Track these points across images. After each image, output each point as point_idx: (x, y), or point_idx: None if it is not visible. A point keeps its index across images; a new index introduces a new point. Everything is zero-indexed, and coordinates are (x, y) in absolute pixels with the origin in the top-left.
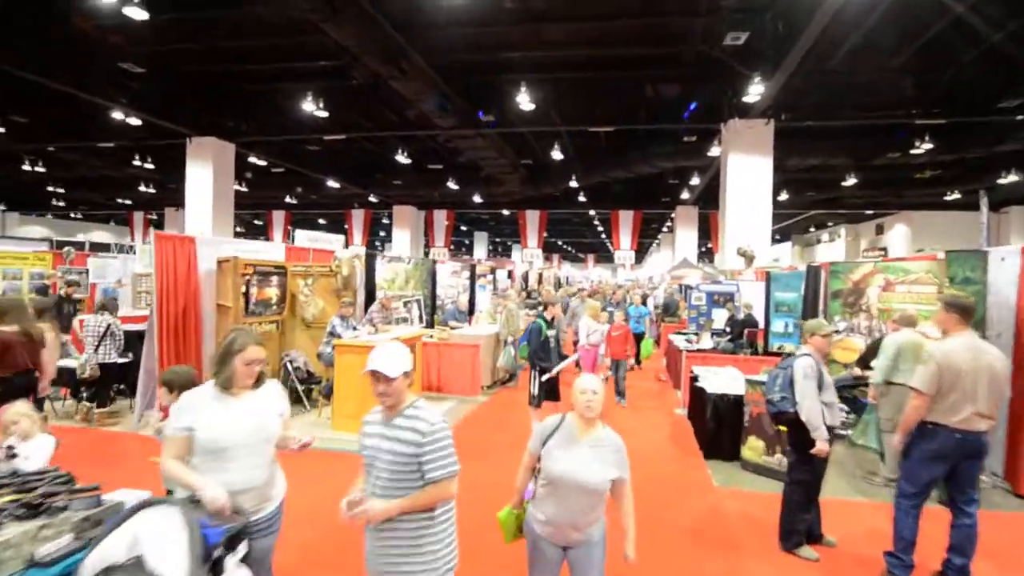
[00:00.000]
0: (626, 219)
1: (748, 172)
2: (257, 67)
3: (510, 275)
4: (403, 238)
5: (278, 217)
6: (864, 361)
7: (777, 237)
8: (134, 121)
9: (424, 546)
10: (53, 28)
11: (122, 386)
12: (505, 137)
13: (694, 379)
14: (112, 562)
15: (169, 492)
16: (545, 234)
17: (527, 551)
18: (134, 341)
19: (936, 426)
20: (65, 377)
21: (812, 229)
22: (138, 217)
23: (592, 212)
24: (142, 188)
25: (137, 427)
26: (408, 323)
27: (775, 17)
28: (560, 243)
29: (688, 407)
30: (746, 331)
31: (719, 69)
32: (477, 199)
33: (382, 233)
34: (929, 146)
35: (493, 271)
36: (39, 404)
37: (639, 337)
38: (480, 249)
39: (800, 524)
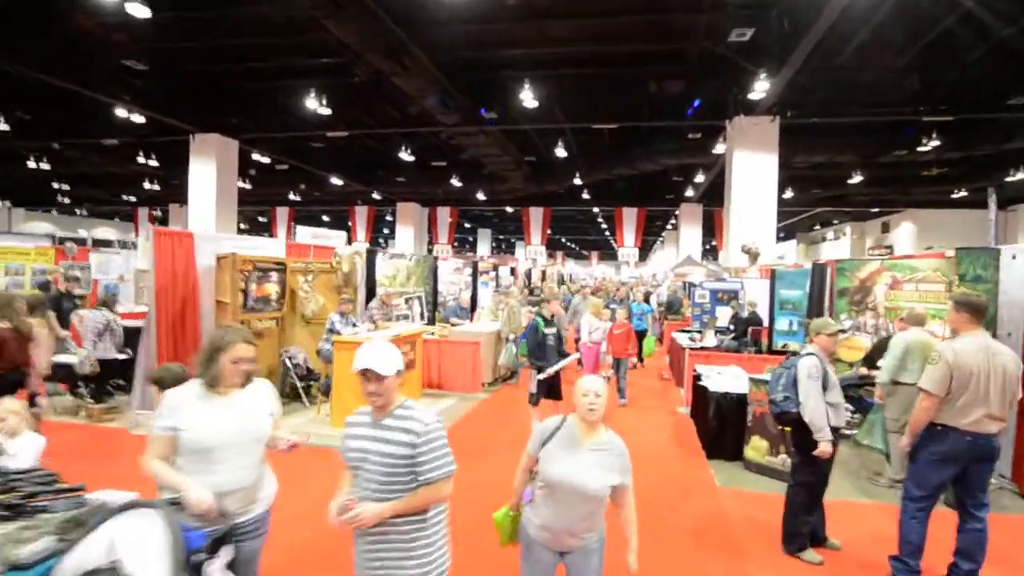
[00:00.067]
0: (630, 216)
1: (753, 169)
2: (259, 64)
3: (513, 272)
4: (406, 235)
5: (282, 213)
6: (870, 360)
7: (782, 235)
8: (137, 118)
9: (416, 549)
10: (55, 26)
11: (121, 382)
12: (508, 134)
13: (697, 378)
14: (89, 567)
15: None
16: (549, 231)
17: (520, 554)
18: (135, 337)
19: (946, 428)
20: (63, 373)
21: (817, 227)
22: (142, 213)
23: (596, 209)
24: (146, 185)
25: (132, 427)
26: (409, 320)
27: (781, 13)
28: (564, 240)
29: (691, 406)
30: (750, 329)
31: (724, 65)
32: (480, 196)
33: (386, 230)
34: (936, 143)
35: (496, 268)
36: (33, 401)
37: (641, 335)
38: (484, 246)
39: (804, 527)
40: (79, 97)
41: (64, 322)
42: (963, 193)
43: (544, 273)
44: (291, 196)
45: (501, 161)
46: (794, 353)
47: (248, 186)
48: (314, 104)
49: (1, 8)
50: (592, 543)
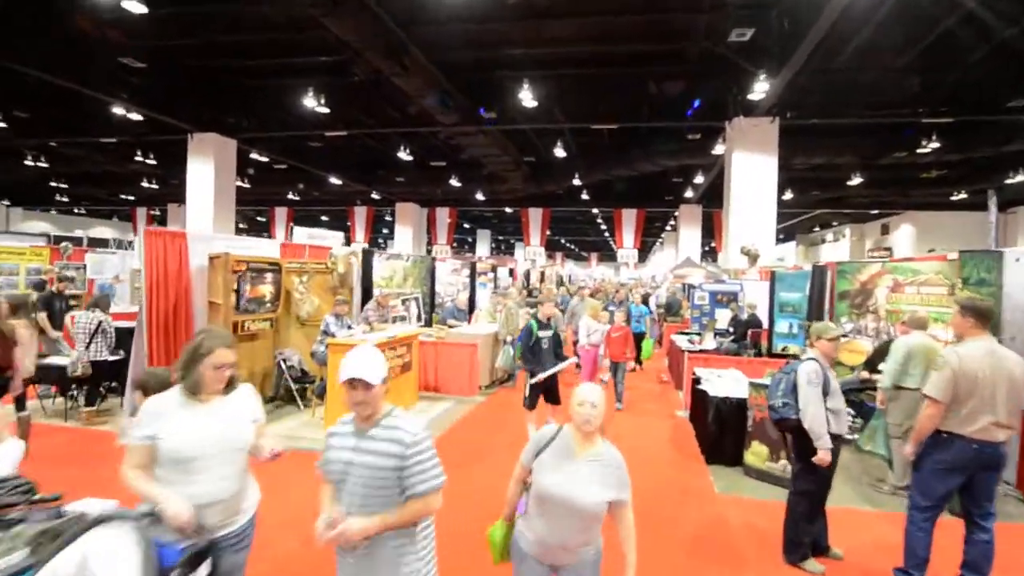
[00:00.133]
0: (629, 217)
1: (753, 170)
2: (257, 62)
3: (511, 273)
4: (405, 235)
5: (280, 213)
6: (871, 364)
7: (781, 236)
8: (135, 116)
9: (407, 564)
10: (53, 24)
11: (114, 384)
12: (508, 134)
13: (696, 381)
14: None
15: None
16: (548, 232)
17: (513, 567)
18: (130, 338)
19: (951, 436)
20: (55, 375)
21: (817, 228)
22: (141, 213)
23: (595, 210)
24: (145, 184)
25: (120, 435)
26: (406, 321)
27: (781, 14)
28: (563, 241)
29: (690, 409)
30: (750, 331)
31: (724, 66)
32: (480, 196)
33: (385, 230)
34: (936, 145)
35: (494, 269)
36: (19, 403)
37: (639, 337)
38: (483, 247)
39: (805, 536)
40: (77, 95)
41: (57, 323)
42: (963, 195)
43: (543, 274)
44: (290, 196)
45: (500, 161)
46: (794, 357)
47: (247, 185)
48: (313, 103)
49: (0, 7)
50: (588, 558)
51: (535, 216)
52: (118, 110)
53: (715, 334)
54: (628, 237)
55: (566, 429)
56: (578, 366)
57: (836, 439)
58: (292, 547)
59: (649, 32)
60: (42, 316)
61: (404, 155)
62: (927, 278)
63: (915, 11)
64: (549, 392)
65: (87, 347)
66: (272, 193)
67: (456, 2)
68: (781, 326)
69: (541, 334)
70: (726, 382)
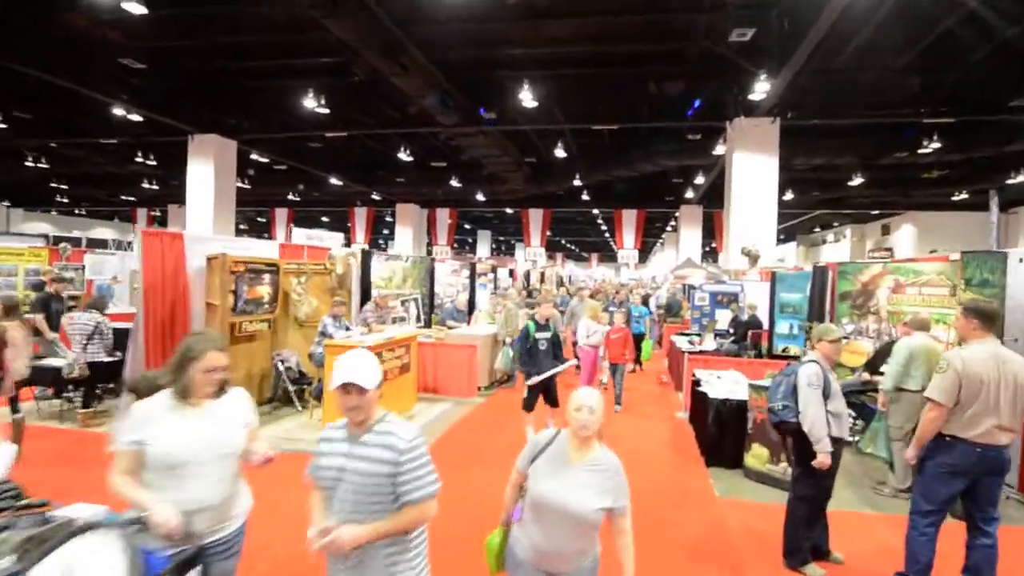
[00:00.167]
0: (629, 218)
1: (753, 171)
2: (257, 63)
3: (511, 274)
4: (406, 236)
5: (281, 214)
6: (873, 366)
7: (782, 237)
8: (135, 117)
9: (399, 573)
10: (53, 24)
11: (111, 385)
12: (508, 135)
13: (696, 383)
14: None
15: None
16: (548, 233)
17: (507, 575)
18: (127, 339)
19: (954, 439)
20: (51, 376)
21: (817, 229)
22: (141, 214)
23: (596, 211)
24: (145, 185)
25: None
26: (405, 322)
27: (781, 14)
28: (564, 242)
29: (690, 411)
30: (750, 332)
31: (724, 66)
32: (480, 197)
33: (385, 231)
34: (937, 145)
35: (494, 269)
36: (13, 405)
37: (639, 338)
38: (483, 247)
39: (805, 541)
40: (77, 96)
41: (54, 324)
42: (964, 195)
43: (543, 275)
44: (290, 197)
45: (501, 162)
46: (795, 358)
47: (247, 186)
48: (312, 104)
49: (0, 7)
50: (585, 566)
51: (535, 217)
52: (118, 111)
53: (715, 335)
54: (628, 238)
55: (563, 434)
56: (577, 367)
57: (837, 442)
58: (290, 549)
59: (649, 32)
60: (39, 317)
61: (404, 156)
62: (929, 279)
63: (915, 11)
64: (548, 394)
65: (84, 348)
66: (272, 194)
67: (455, 2)
68: (782, 327)
69: (538, 336)
70: (726, 383)
